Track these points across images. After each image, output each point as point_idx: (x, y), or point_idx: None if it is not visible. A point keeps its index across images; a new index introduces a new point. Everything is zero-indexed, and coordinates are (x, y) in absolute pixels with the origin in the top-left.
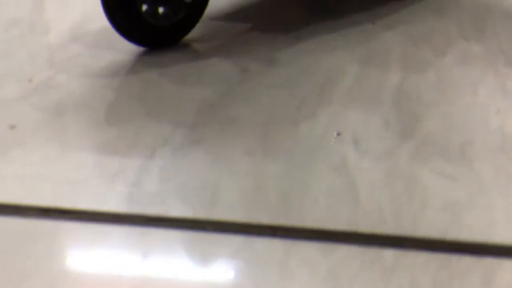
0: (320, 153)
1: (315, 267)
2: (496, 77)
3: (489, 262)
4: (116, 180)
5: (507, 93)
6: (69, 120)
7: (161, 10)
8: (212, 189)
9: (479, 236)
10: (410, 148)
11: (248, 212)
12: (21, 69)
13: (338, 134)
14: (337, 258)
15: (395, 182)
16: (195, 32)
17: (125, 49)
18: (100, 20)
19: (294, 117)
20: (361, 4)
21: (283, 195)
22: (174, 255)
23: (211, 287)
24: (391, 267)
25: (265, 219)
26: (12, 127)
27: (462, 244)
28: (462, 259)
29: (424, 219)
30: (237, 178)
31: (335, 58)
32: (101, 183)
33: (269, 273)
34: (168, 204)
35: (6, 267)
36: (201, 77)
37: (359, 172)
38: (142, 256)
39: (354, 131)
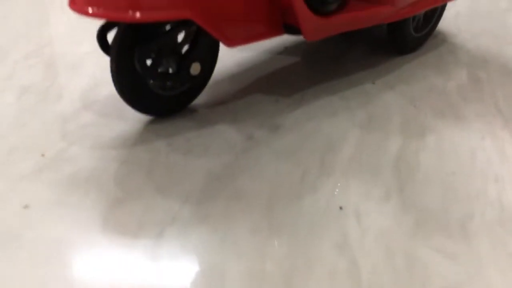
0: (323, 229)
1: None
2: (494, 141)
3: None
4: (126, 263)
5: (505, 158)
6: (81, 198)
7: (168, 83)
8: (219, 273)
9: None
10: (411, 224)
11: None
12: (35, 142)
13: (341, 208)
14: None
15: (396, 261)
16: (202, 96)
17: (134, 118)
18: (109, 86)
19: (298, 190)
20: (361, 63)
21: (288, 278)
22: None
23: None
24: None
25: None
26: (26, 206)
27: None
28: None
29: None
30: (243, 261)
31: (336, 123)
32: (110, 266)
33: None
34: None
35: None
36: (208, 147)
37: (361, 251)
38: None
39: (355, 205)
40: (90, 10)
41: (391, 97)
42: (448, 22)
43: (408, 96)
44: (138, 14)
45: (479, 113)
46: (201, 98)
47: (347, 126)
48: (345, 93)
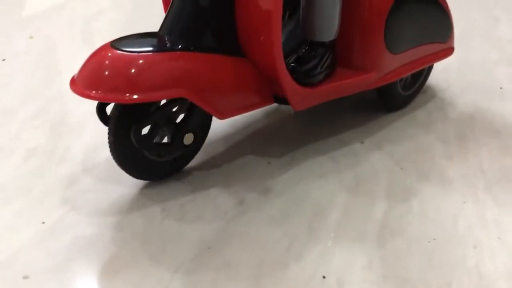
0: None
1: None
2: (475, 205)
3: None
4: None
5: (485, 223)
6: (79, 267)
7: (163, 152)
8: None
9: None
10: None
11: None
12: (37, 208)
13: (324, 277)
14: None
15: None
16: (196, 157)
17: (130, 182)
18: (108, 149)
19: (285, 258)
20: (351, 121)
21: None
22: None
23: None
24: None
25: None
26: (25, 277)
27: None
28: None
29: None
30: None
31: (325, 186)
32: None
33: None
34: None
35: None
36: (200, 213)
37: None
38: None
39: (338, 274)
40: (88, 93)
41: (379, 158)
42: (438, 75)
43: (395, 156)
44: (134, 96)
45: (464, 174)
46: (196, 160)
47: (335, 189)
48: (334, 154)
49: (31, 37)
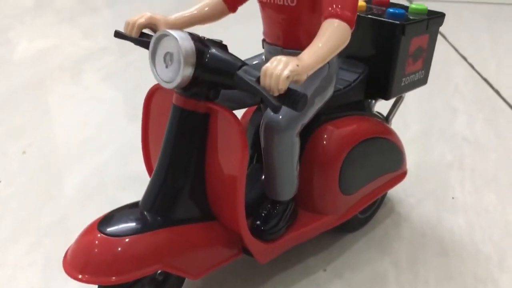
0: None
1: None
2: None
3: None
4: None
5: None
6: None
7: None
8: None
9: None
10: None
11: None
12: None
13: None
14: None
15: None
16: None
17: None
18: None
19: None
20: (314, 246)
21: None
22: None
23: None
24: None
25: None
26: None
27: None
28: None
29: None
30: None
31: None
32: None
33: None
34: None
35: None
36: None
37: None
38: None
39: None
40: (76, 275)
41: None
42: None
43: (353, 285)
44: (115, 278)
45: None
46: None
47: None
48: (298, 286)
49: (24, 153)
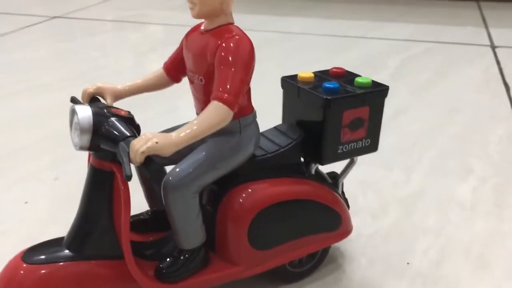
0: None
1: None
2: None
3: None
4: None
5: None
6: None
7: None
8: None
9: None
10: None
11: None
12: None
13: None
14: None
15: None
16: None
17: None
18: None
19: None
20: None
21: None
22: None
23: None
24: None
25: None
26: None
27: None
28: None
29: None
30: None
31: None
32: None
33: None
34: None
35: None
36: None
37: None
38: None
39: None
40: None
41: None
42: (353, 242)
43: None
44: None
45: None
46: None
47: None
48: None
49: (56, 179)
